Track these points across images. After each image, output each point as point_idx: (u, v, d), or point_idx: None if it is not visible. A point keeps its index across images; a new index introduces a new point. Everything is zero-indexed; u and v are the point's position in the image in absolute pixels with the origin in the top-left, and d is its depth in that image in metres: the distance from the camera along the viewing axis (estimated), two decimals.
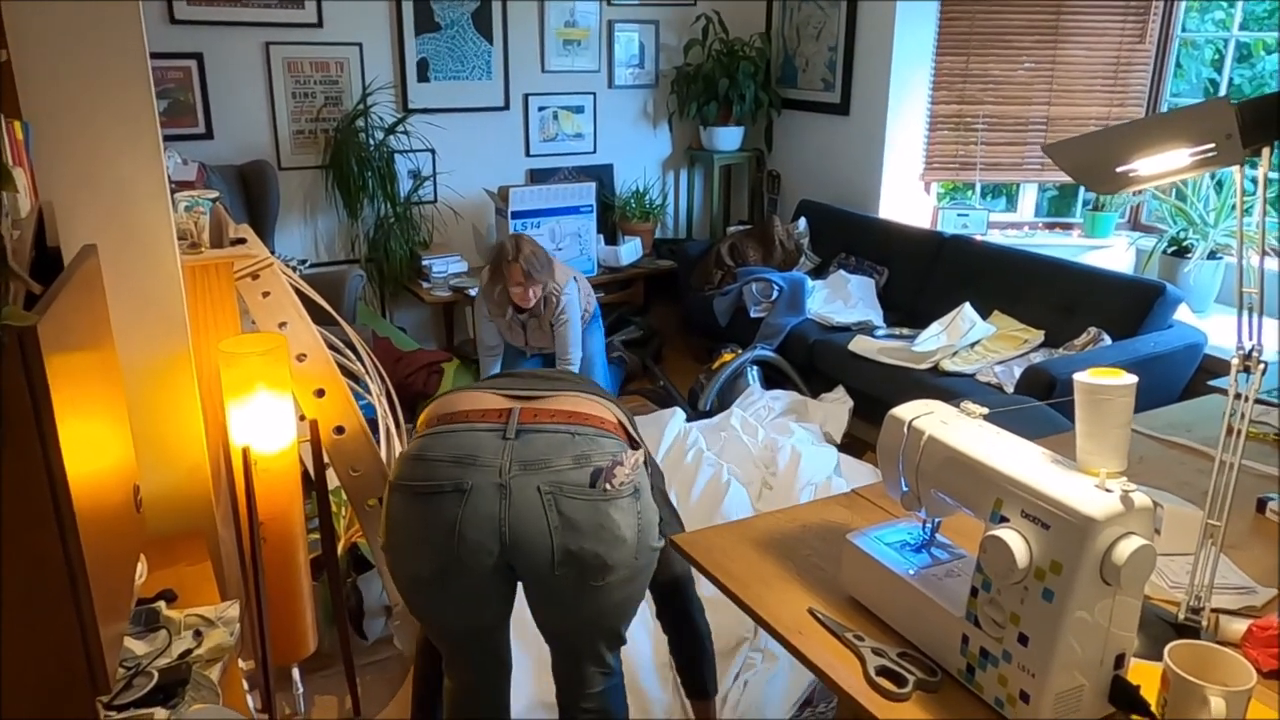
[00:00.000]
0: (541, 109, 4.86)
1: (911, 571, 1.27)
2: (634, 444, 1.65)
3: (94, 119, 1.64)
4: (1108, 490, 1.04)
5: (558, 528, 1.50)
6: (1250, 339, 1.15)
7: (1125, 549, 1.01)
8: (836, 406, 3.73)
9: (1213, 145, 0.97)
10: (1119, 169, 1.03)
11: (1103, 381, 1.07)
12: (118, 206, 1.71)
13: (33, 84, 1.58)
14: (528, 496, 1.50)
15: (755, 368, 3.97)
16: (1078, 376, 1.09)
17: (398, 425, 2.59)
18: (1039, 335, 3.59)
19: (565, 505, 1.50)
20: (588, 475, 1.51)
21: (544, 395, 1.65)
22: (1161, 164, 1.02)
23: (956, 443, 1.19)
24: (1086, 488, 1.05)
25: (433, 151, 4.60)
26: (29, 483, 0.90)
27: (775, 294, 4.18)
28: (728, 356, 3.95)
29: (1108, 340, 3.34)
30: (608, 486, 1.50)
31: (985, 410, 1.26)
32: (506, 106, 4.75)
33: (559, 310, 3.53)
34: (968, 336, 3.60)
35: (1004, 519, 1.10)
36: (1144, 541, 1.01)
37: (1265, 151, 0.99)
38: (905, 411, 1.29)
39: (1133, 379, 1.08)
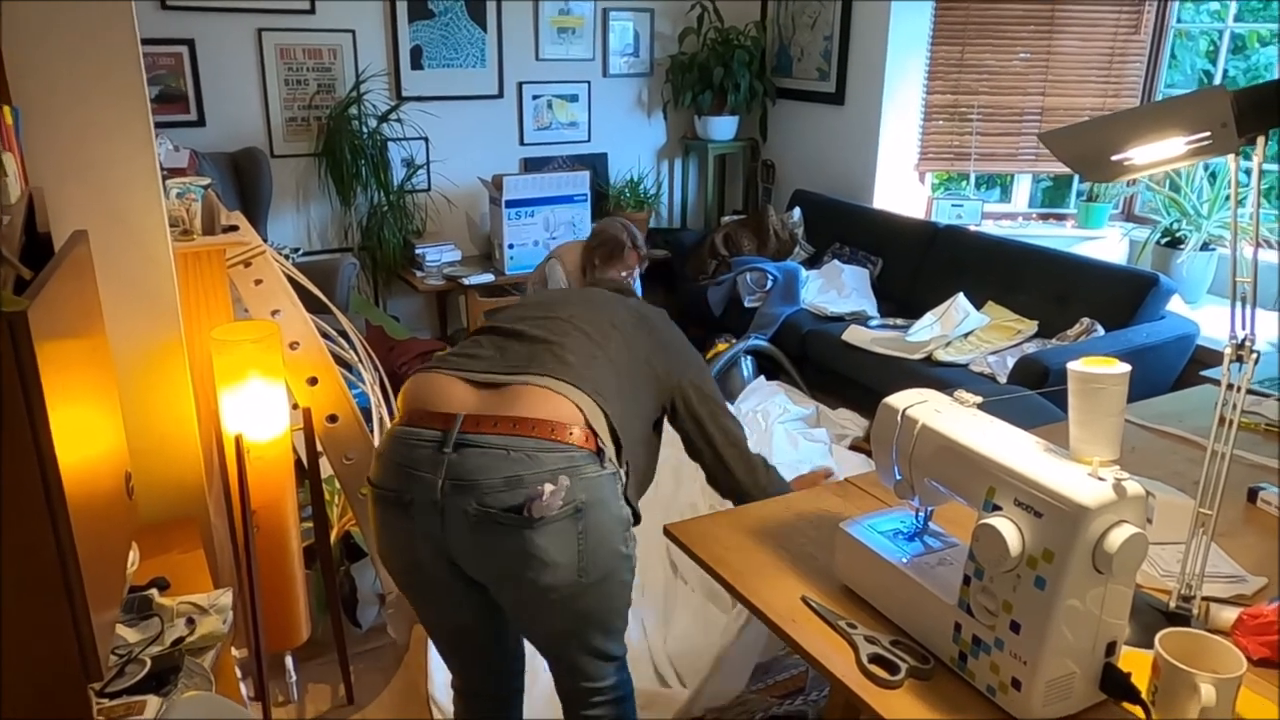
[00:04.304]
0: (536, 97, 4.84)
1: (904, 560, 1.27)
2: (606, 444, 1.52)
3: (85, 104, 1.63)
4: (1100, 479, 1.04)
5: (486, 550, 1.46)
6: (1243, 329, 1.15)
7: (1117, 537, 1.01)
8: (849, 424, 3.69)
9: (1208, 134, 0.97)
10: (1114, 158, 1.03)
11: (1096, 370, 1.07)
12: (108, 193, 1.70)
13: (23, 69, 1.57)
14: (458, 518, 1.45)
15: (749, 358, 3.97)
16: (1071, 365, 1.09)
17: (391, 414, 2.59)
18: (1032, 326, 3.59)
19: (490, 530, 1.44)
20: (519, 497, 1.42)
21: (507, 381, 1.54)
22: (1156, 153, 1.02)
23: (950, 431, 1.20)
24: (1079, 476, 1.05)
25: (426, 139, 4.58)
26: (20, 469, 0.90)
27: (769, 284, 4.18)
28: (722, 346, 3.95)
29: (1101, 331, 3.35)
30: (531, 514, 1.42)
31: (979, 399, 1.26)
32: (500, 95, 4.73)
33: (634, 288, 3.71)
34: (961, 327, 3.60)
35: (997, 507, 1.11)
36: (1136, 530, 1.01)
37: (1260, 141, 0.99)
38: (899, 400, 1.29)
39: (1126, 368, 1.08)
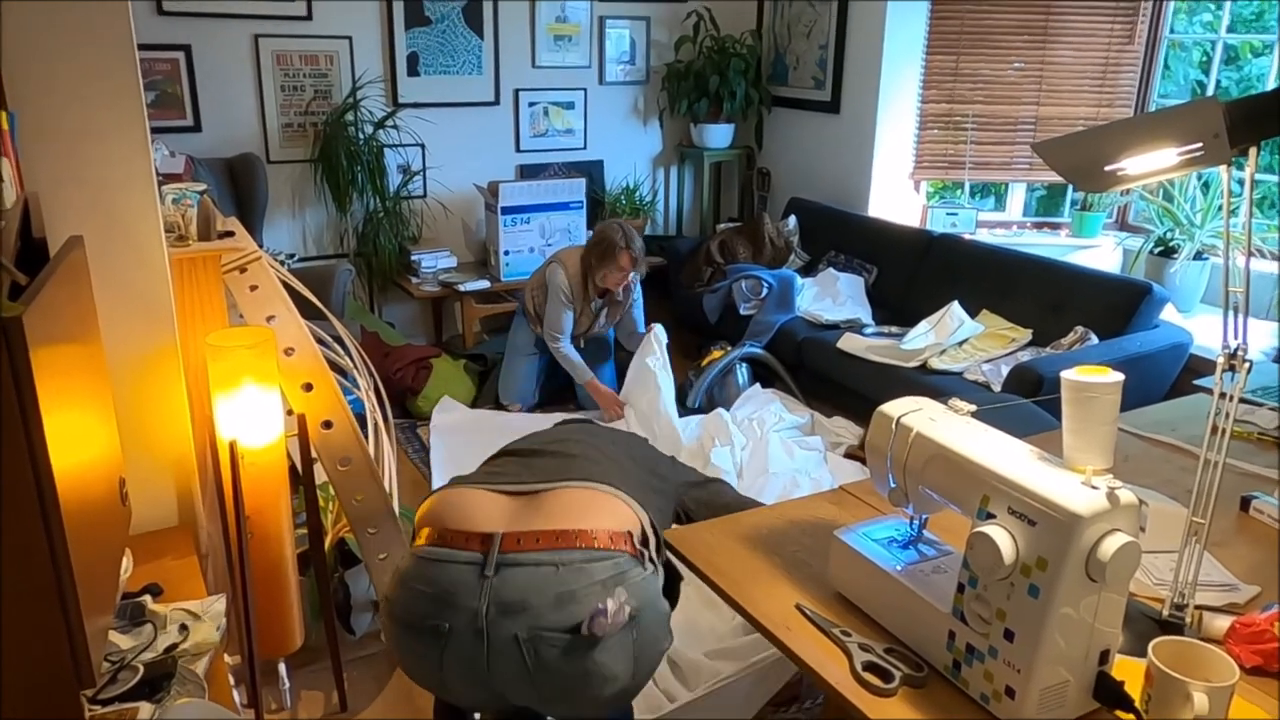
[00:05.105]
0: (532, 104, 4.85)
1: (899, 568, 1.27)
2: (643, 542, 1.50)
3: (81, 109, 1.63)
4: (1094, 487, 1.05)
5: (541, 674, 1.40)
6: (1235, 338, 1.16)
7: (1110, 545, 1.01)
8: (844, 432, 3.69)
9: (1200, 145, 0.98)
10: (1107, 168, 1.04)
11: (1090, 379, 1.07)
12: (104, 198, 1.70)
13: (19, 74, 1.56)
14: (506, 644, 1.39)
15: (744, 365, 3.97)
16: (1065, 374, 1.10)
17: (386, 421, 2.58)
18: (1026, 334, 3.60)
19: (546, 653, 1.38)
20: (571, 614, 1.38)
21: (542, 488, 1.52)
22: (1149, 163, 1.03)
23: (944, 440, 1.20)
24: (1073, 485, 1.06)
25: (422, 146, 4.58)
26: (14, 475, 0.89)
27: (765, 291, 4.18)
28: (717, 354, 3.96)
29: (1094, 339, 3.36)
30: (594, 633, 1.37)
31: (973, 407, 1.27)
32: (497, 102, 4.74)
33: (634, 293, 3.91)
34: (956, 335, 3.61)
35: (991, 515, 1.11)
36: (1129, 538, 1.02)
37: (1252, 151, 1.00)
38: (893, 408, 1.30)
39: (1119, 377, 1.08)
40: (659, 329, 3.68)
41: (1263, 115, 0.96)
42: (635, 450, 1.82)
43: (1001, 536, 1.07)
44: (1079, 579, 1.04)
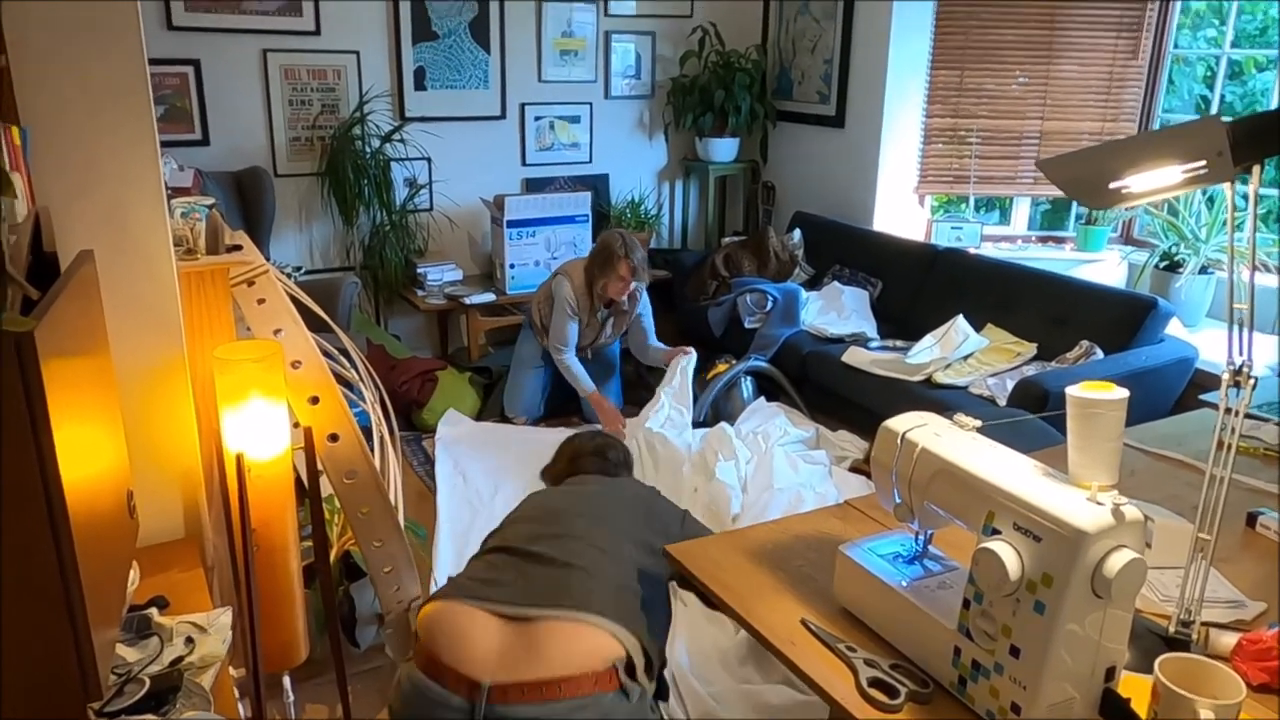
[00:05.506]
0: (538, 118, 4.87)
1: (904, 583, 1.27)
2: (629, 670, 1.54)
3: (92, 124, 1.65)
4: (1099, 504, 1.05)
5: None
6: (1240, 354, 1.16)
7: (1116, 562, 1.01)
8: (849, 445, 3.69)
9: (1204, 162, 0.98)
10: (1112, 185, 1.04)
11: (1095, 395, 1.08)
12: (114, 212, 1.71)
13: (31, 89, 1.58)
14: None
15: (749, 379, 3.97)
16: (1070, 390, 1.10)
17: (391, 433, 2.59)
18: (1031, 348, 3.60)
19: None
20: None
21: (535, 616, 1.55)
22: (1153, 180, 1.03)
23: (949, 455, 1.20)
24: (1078, 501, 1.06)
25: (429, 159, 4.61)
26: (23, 489, 0.90)
27: (770, 305, 4.19)
28: (721, 367, 3.96)
29: (1100, 354, 3.35)
30: None
31: (978, 423, 1.27)
32: (503, 115, 4.76)
33: (641, 303, 3.93)
34: (961, 349, 3.61)
35: (996, 531, 1.11)
36: (1135, 555, 1.02)
37: (1255, 169, 1.00)
38: (898, 424, 1.30)
39: (1124, 393, 1.09)
40: (688, 360, 3.67)
41: (1266, 133, 0.96)
42: (649, 513, 1.81)
43: (1007, 553, 1.07)
44: (1084, 595, 1.04)
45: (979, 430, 1.27)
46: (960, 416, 1.28)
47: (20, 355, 0.86)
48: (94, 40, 1.60)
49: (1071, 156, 1.11)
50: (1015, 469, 1.15)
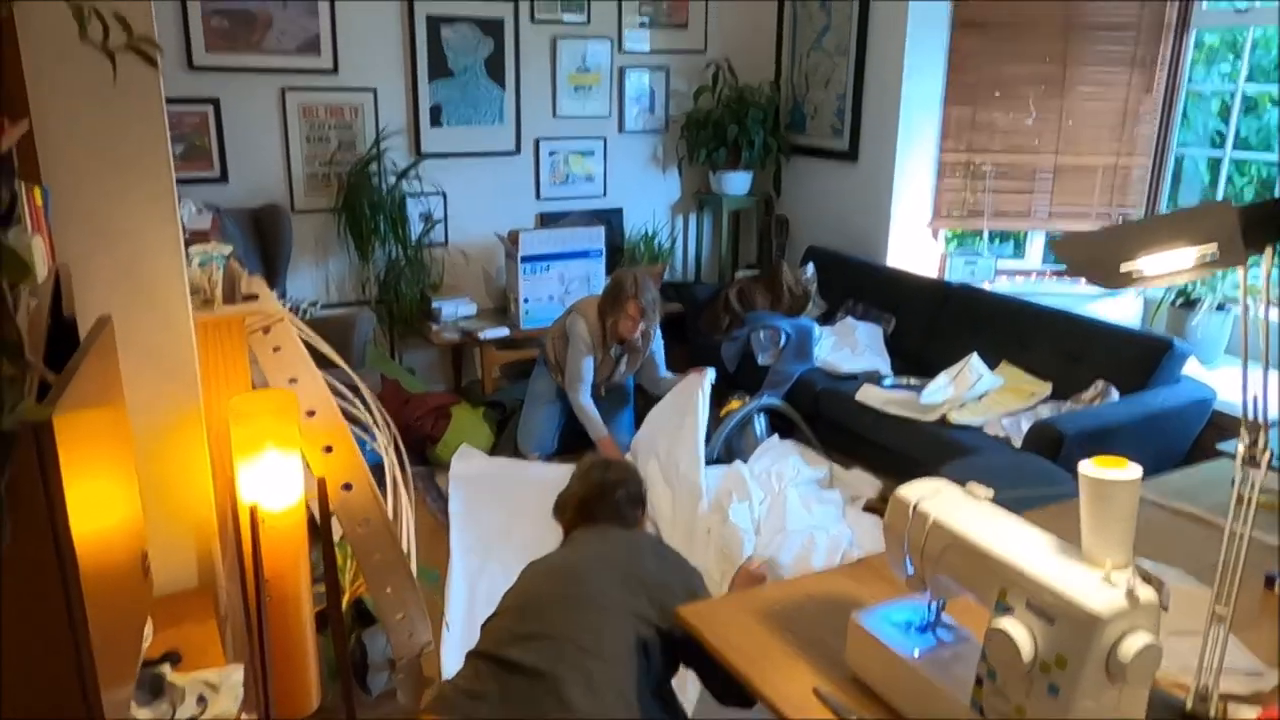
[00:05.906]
0: (552, 153, 4.91)
1: (916, 654, 1.26)
2: None
3: (112, 184, 1.67)
4: (1113, 584, 1.04)
5: None
6: (1257, 394, 1.12)
7: (1131, 647, 1.00)
8: (862, 484, 3.67)
9: (1215, 246, 0.98)
10: (1123, 268, 1.04)
11: (1108, 475, 1.07)
12: (133, 266, 1.73)
13: (54, 150, 1.61)
14: None
15: (763, 416, 3.96)
16: (1083, 468, 1.09)
17: (404, 475, 2.59)
18: (1046, 387, 3.58)
19: None
20: None
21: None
22: (1166, 263, 1.03)
23: (962, 528, 1.20)
24: (1092, 581, 1.05)
25: (444, 195, 4.64)
26: (38, 569, 0.91)
27: (783, 341, 4.18)
28: (735, 404, 3.95)
29: (1115, 395, 3.33)
30: None
31: (991, 493, 1.26)
32: (518, 150, 4.80)
33: (654, 341, 3.98)
34: (975, 388, 3.59)
35: (1008, 609, 1.10)
36: (1150, 639, 1.01)
37: (1268, 250, 1.00)
38: (911, 492, 1.29)
39: (1137, 471, 1.08)
40: (709, 375, 3.67)
41: (1276, 220, 0.96)
42: (637, 608, 1.75)
43: (1020, 634, 1.06)
44: (1099, 678, 1.03)
45: (993, 500, 1.26)
46: (974, 486, 1.28)
47: (39, 443, 0.87)
48: (116, 104, 1.63)
49: (1085, 237, 1.11)
50: (1028, 544, 1.14)
